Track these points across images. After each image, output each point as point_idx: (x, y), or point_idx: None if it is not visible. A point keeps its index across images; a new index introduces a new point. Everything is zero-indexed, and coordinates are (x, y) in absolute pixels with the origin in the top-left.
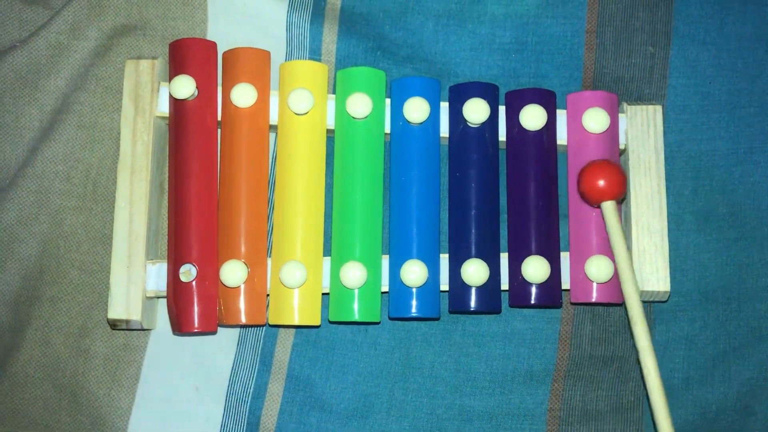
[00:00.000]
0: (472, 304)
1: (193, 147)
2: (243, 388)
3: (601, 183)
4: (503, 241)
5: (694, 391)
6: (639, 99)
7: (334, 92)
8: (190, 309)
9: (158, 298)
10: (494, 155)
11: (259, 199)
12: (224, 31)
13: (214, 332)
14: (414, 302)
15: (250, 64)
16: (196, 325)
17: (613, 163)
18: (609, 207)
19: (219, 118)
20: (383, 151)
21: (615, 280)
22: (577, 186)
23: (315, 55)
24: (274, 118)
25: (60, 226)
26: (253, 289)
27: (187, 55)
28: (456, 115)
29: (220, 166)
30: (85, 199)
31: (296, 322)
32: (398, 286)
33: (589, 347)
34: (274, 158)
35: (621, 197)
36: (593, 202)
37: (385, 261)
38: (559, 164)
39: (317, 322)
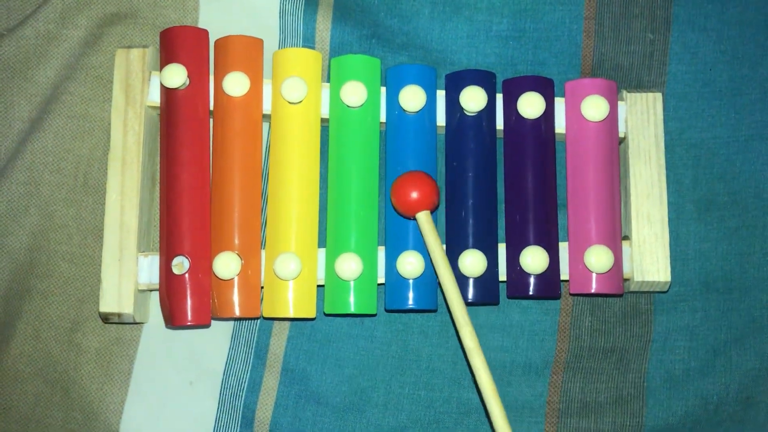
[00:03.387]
0: (470, 295)
1: (185, 137)
2: (237, 382)
3: (414, 195)
4: (501, 231)
5: (695, 382)
6: (638, 86)
7: (328, 80)
8: (183, 302)
9: (150, 291)
10: (492, 144)
11: (253, 189)
12: (216, 19)
13: (207, 325)
14: (411, 294)
15: (243, 52)
16: (190, 318)
17: (424, 174)
18: (423, 217)
19: (211, 108)
20: (379, 141)
21: (615, 271)
22: (390, 199)
23: (309, 42)
24: (267, 107)
25: (50, 218)
26: (247, 281)
27: (178, 43)
28: (453, 104)
29: (212, 156)
30: (75, 191)
31: (291, 315)
32: (394, 278)
33: (588, 339)
34: (268, 148)
35: (434, 207)
36: (408, 214)
37: (381, 252)
38: (558, 153)
39: (312, 315)
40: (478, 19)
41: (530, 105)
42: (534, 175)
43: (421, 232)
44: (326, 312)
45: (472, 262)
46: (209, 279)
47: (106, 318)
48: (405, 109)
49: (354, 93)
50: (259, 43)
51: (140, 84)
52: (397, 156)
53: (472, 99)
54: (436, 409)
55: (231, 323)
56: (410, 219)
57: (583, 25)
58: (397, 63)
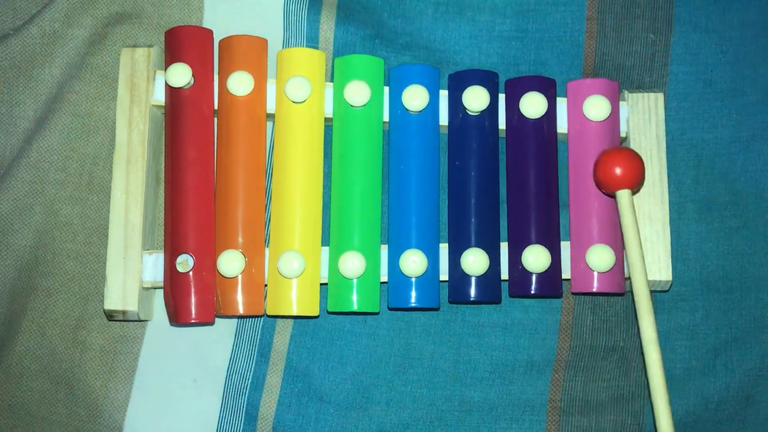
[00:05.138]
0: (472, 294)
1: (190, 136)
2: (241, 379)
3: (619, 171)
4: (503, 230)
5: (696, 381)
6: (640, 87)
7: (332, 80)
8: (187, 299)
9: (155, 288)
10: (494, 144)
11: (257, 188)
12: (220, 19)
13: (211, 323)
14: (413, 292)
15: (247, 51)
16: (194, 315)
17: (633, 152)
18: (624, 196)
19: (215, 107)
20: (382, 140)
21: (616, 270)
22: (594, 172)
23: (312, 42)
24: (271, 107)
25: (55, 216)
26: (251, 279)
27: (183, 43)
28: (455, 103)
29: (216, 155)
30: (80, 189)
31: (294, 313)
32: (397, 276)
33: (589, 337)
34: (272, 147)
35: (638, 187)
36: (609, 189)
37: (384, 251)
38: (560, 153)
39: (316, 313)
40: (481, 20)
41: (532, 105)
42: (536, 175)
43: (619, 210)
44: (329, 310)
45: (475, 260)
46: (213, 277)
47: (110, 315)
48: (408, 108)
49: (357, 92)
50: (263, 42)
51: (145, 83)
52: (400, 155)
53: (475, 99)
54: (438, 407)
55: (234, 321)
56: (610, 196)
57: (585, 25)
58: (400, 63)
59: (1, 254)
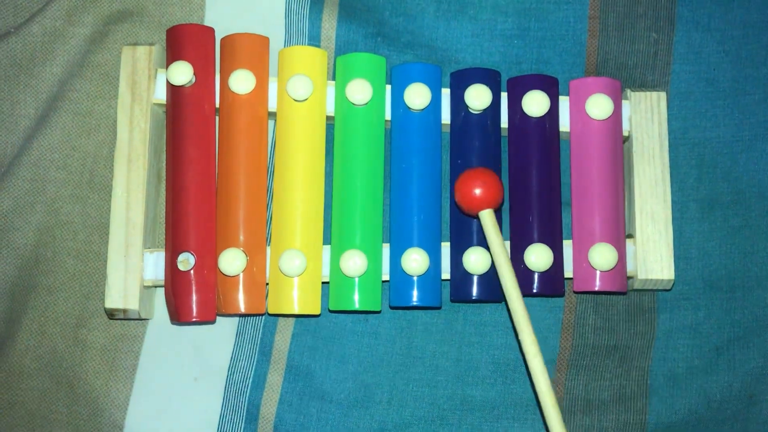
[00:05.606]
0: (474, 292)
1: (191, 134)
2: (242, 378)
3: (478, 192)
4: (505, 229)
5: (699, 380)
6: (642, 86)
7: (333, 79)
8: (189, 298)
9: (156, 287)
10: (496, 142)
11: (258, 186)
12: (222, 17)
13: (212, 321)
14: (415, 291)
15: (249, 50)
16: (195, 314)
17: (489, 171)
18: (487, 216)
19: (217, 105)
20: (384, 138)
21: (618, 268)
22: (454, 196)
23: (314, 41)
24: (273, 105)
25: (56, 214)
26: (252, 277)
27: (184, 41)
28: (457, 102)
29: (218, 153)
30: (81, 188)
31: (296, 311)
32: (399, 275)
33: (592, 336)
34: (273, 145)
35: (499, 205)
36: (471, 211)
37: (386, 249)
38: (562, 151)
39: (317, 311)
40: (483, 18)
41: (535, 103)
42: (538, 173)
43: (484, 230)
44: (331, 309)
45: (477, 259)
46: (214, 275)
47: (111, 314)
48: (410, 107)
49: (359, 91)
50: (265, 41)
51: (146, 81)
52: (402, 154)
53: (477, 97)
54: (439, 406)
55: (236, 319)
56: (473, 217)
57: (588, 24)
58: (402, 61)
59: (1, 252)
